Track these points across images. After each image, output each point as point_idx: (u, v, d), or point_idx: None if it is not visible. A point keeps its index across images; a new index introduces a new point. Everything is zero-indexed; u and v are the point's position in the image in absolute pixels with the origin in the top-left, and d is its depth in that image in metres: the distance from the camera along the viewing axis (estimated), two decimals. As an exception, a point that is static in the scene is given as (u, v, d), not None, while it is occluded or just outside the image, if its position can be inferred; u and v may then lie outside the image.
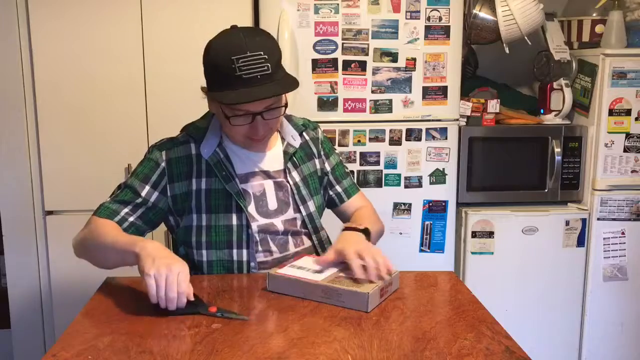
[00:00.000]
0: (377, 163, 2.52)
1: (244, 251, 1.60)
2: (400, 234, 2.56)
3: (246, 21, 2.45)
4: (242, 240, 1.60)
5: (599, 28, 2.66)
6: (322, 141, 1.78)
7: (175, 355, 1.14)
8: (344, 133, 2.47)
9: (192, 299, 1.31)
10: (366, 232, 1.56)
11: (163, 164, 1.59)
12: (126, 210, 1.56)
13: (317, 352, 1.16)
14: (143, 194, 1.57)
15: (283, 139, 1.68)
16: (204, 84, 1.57)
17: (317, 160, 1.75)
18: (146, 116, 2.47)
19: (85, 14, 2.40)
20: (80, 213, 2.50)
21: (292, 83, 1.52)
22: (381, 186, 2.53)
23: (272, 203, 1.64)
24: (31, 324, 2.58)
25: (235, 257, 1.60)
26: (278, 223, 1.64)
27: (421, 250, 2.59)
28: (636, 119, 2.58)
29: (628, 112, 2.57)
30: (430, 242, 2.59)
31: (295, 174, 1.68)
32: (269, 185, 1.64)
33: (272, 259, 1.63)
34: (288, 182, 1.66)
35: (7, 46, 2.42)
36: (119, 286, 1.51)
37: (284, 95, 1.55)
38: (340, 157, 1.84)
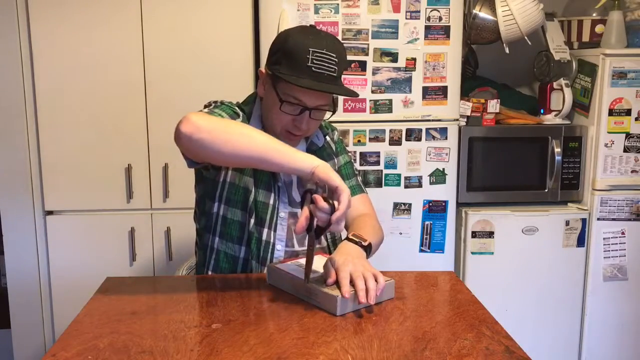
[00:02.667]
0: (377, 163, 2.52)
1: (272, 232, 1.63)
2: (400, 234, 2.56)
3: (246, 21, 2.45)
4: (273, 222, 1.63)
5: (599, 28, 2.66)
6: (336, 141, 1.82)
7: (175, 355, 1.14)
8: (344, 133, 2.46)
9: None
10: (369, 248, 1.54)
11: (240, 118, 1.60)
12: None
13: (317, 352, 1.16)
14: None
15: (308, 137, 1.71)
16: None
17: (335, 160, 1.78)
18: (146, 116, 2.47)
19: (85, 15, 2.40)
20: (80, 213, 2.52)
21: (352, 91, 1.61)
22: (381, 186, 2.53)
23: (297, 195, 1.68)
24: (31, 324, 2.58)
25: (264, 237, 1.62)
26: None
27: (421, 250, 2.59)
28: (636, 119, 2.58)
29: (628, 112, 2.57)
30: (430, 242, 2.59)
31: None
32: (294, 177, 1.68)
33: (291, 251, 1.66)
34: None
35: (8, 47, 2.42)
36: (119, 286, 1.52)
37: (333, 102, 1.62)
38: (352, 159, 1.85)
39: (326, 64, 1.51)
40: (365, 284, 1.35)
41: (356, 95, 1.62)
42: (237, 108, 1.64)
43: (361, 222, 1.68)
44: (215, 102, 1.65)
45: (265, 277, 1.53)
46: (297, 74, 1.50)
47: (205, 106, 1.63)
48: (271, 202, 1.63)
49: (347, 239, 1.54)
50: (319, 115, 1.60)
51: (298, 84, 1.49)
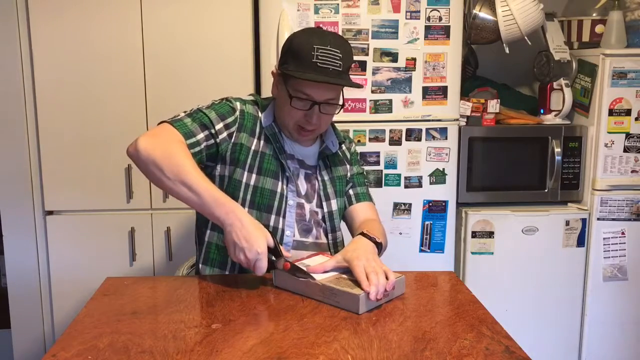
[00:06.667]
0: (377, 163, 2.52)
1: (281, 219, 1.67)
2: (400, 234, 2.56)
3: (246, 21, 2.45)
4: (281, 209, 1.67)
5: (599, 28, 2.66)
6: (352, 152, 1.89)
7: (175, 355, 1.14)
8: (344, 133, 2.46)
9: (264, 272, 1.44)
10: (380, 246, 1.59)
11: (237, 113, 1.68)
12: (202, 135, 1.60)
13: (317, 352, 1.16)
14: (217, 127, 1.63)
15: (323, 141, 1.77)
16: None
17: (348, 167, 1.84)
18: (146, 116, 2.47)
19: (85, 14, 2.40)
20: (80, 213, 2.52)
21: (356, 84, 1.68)
22: (381, 186, 2.53)
23: (302, 188, 1.73)
24: (31, 324, 2.58)
25: (272, 223, 1.66)
26: (306, 207, 1.72)
27: (421, 250, 2.59)
28: (636, 119, 2.58)
29: (628, 112, 2.57)
30: (430, 242, 2.59)
31: (325, 172, 1.78)
32: (302, 172, 1.74)
33: (293, 240, 1.69)
34: (317, 177, 1.75)
35: (8, 46, 2.42)
36: (119, 286, 1.52)
37: (342, 96, 1.68)
38: (364, 171, 1.92)
39: (330, 60, 1.58)
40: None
41: (360, 86, 1.68)
42: (239, 103, 1.69)
43: (371, 224, 1.72)
44: (227, 97, 1.71)
45: (265, 276, 1.53)
46: (303, 70, 1.58)
47: (223, 98, 1.71)
48: (279, 190, 1.67)
49: (362, 234, 1.59)
50: (329, 109, 1.65)
51: (303, 77, 1.57)
